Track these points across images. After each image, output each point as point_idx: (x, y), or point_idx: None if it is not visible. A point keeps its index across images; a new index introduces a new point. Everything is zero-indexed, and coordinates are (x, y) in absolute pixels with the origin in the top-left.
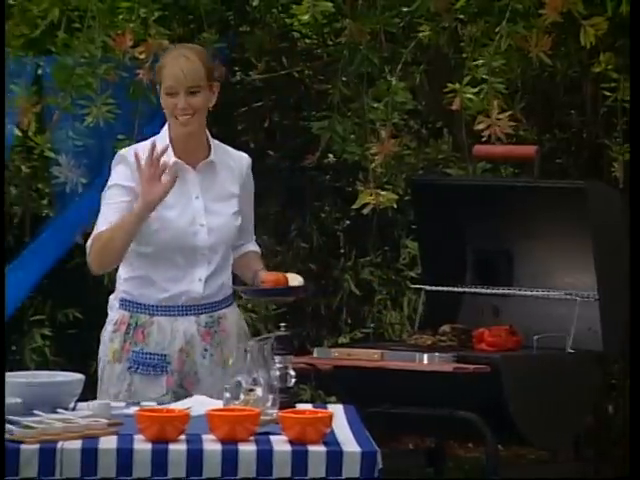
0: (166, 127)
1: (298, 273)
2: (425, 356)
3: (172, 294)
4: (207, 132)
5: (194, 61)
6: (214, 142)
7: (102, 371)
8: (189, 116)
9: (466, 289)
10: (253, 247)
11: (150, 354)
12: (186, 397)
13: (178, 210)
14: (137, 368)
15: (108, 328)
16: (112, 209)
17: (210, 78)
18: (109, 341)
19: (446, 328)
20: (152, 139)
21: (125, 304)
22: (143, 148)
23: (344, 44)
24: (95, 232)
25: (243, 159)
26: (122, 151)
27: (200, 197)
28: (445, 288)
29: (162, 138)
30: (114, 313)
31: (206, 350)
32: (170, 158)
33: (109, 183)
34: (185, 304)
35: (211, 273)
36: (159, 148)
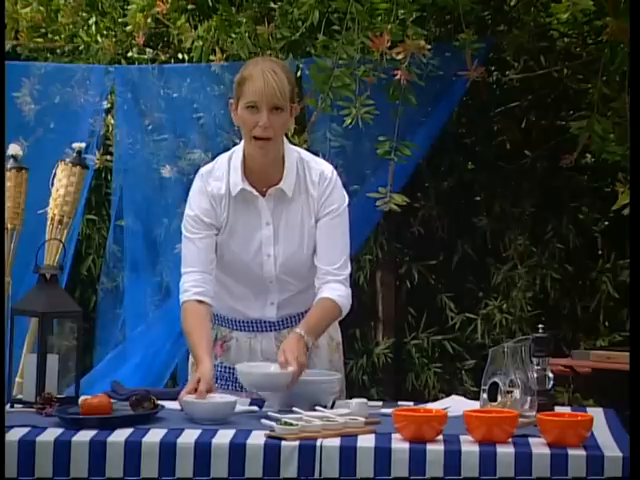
0: (243, 143)
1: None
2: None
3: (246, 316)
4: (286, 151)
5: (281, 77)
6: (295, 161)
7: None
8: (267, 140)
9: None
10: (327, 293)
11: (229, 369)
12: None
13: (245, 239)
14: (215, 382)
15: None
16: (194, 247)
17: (292, 99)
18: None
19: None
20: (229, 154)
21: None
22: (220, 166)
23: (605, 43)
24: (183, 271)
25: (323, 180)
26: (203, 172)
27: (271, 224)
28: None
29: (237, 156)
30: None
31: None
32: (237, 185)
33: (189, 210)
34: (263, 320)
35: (285, 298)
36: (202, 387)
